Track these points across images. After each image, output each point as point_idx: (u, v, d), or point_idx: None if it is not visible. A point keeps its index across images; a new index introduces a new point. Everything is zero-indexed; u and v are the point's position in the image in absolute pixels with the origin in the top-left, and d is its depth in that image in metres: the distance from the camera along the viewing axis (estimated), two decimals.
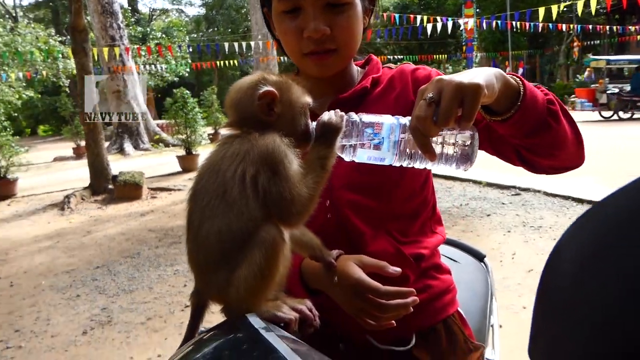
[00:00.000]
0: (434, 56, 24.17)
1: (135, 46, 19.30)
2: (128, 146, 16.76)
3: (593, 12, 12.51)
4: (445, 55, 25.55)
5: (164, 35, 26.00)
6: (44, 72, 19.49)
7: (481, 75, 0.79)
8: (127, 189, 8.32)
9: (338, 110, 0.85)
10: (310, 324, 0.86)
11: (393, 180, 1.06)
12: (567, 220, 5.21)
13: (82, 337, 3.44)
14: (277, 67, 12.27)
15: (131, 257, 5.25)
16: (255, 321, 0.63)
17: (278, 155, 0.76)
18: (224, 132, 0.87)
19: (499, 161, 1.10)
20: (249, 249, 0.74)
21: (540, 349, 0.28)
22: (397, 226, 1.09)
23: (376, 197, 1.06)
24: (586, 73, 21.08)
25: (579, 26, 17.68)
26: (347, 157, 0.86)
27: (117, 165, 10.31)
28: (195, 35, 35.39)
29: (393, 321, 0.95)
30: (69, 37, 9.25)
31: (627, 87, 15.56)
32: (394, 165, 0.86)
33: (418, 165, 0.86)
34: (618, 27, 20.42)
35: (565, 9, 15.70)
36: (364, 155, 0.85)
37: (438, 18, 14.59)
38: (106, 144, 10.90)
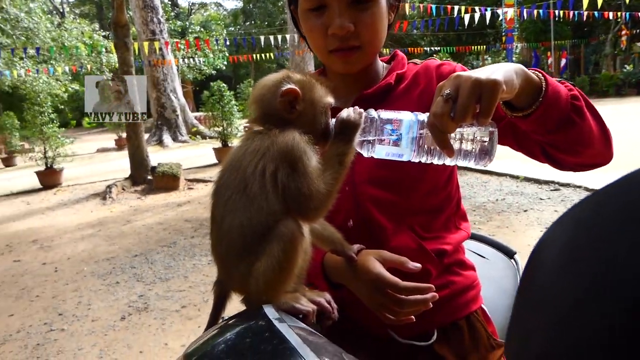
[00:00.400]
0: (472, 47, 23.56)
1: (175, 40, 19.72)
2: (167, 138, 17.20)
3: None
4: (484, 47, 24.89)
5: (202, 29, 26.44)
6: (89, 66, 20.18)
7: (500, 70, 0.78)
8: (165, 180, 8.55)
9: (357, 107, 0.86)
10: (328, 317, 0.88)
11: (415, 176, 1.06)
12: None
13: (120, 322, 3.58)
14: (313, 60, 12.28)
15: (168, 246, 5.41)
16: (270, 312, 0.66)
17: (297, 152, 0.78)
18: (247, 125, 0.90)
19: None
20: (268, 242, 0.76)
21: (514, 342, 0.29)
22: (420, 221, 1.09)
23: (398, 192, 1.07)
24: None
25: (627, 13, 16.90)
26: (365, 153, 0.87)
27: (156, 156, 10.62)
28: (233, 29, 35.79)
29: (412, 317, 0.96)
30: (111, 32, 9.52)
31: None
32: (412, 161, 0.87)
33: (436, 161, 0.86)
34: None
35: None
36: (382, 152, 0.86)
37: (476, 8, 14.25)
38: (146, 135, 11.23)
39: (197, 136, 17.51)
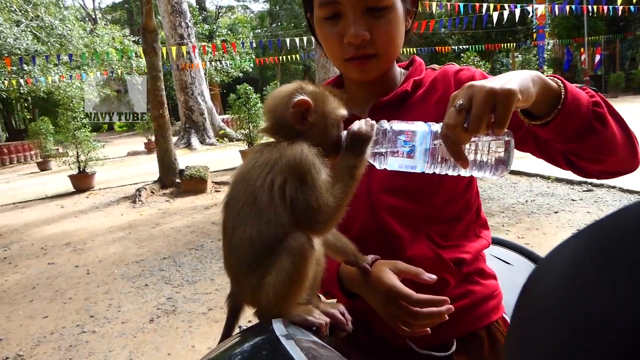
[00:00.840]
0: (502, 45, 23.11)
1: (202, 44, 20.01)
2: (195, 141, 17.46)
3: None
4: (514, 44, 24.37)
5: (229, 32, 26.75)
6: (119, 71, 20.67)
7: (516, 79, 0.76)
8: (193, 183, 8.68)
9: (369, 119, 0.85)
10: (342, 328, 0.87)
11: (432, 184, 1.04)
12: None
13: (149, 324, 3.65)
14: None
15: (195, 249, 5.48)
16: (278, 327, 0.65)
17: (305, 165, 0.77)
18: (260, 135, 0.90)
19: None
20: (278, 255, 0.76)
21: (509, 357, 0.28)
22: (437, 230, 1.07)
23: (415, 200, 1.05)
24: None
25: None
26: (378, 166, 0.86)
27: (184, 159, 10.79)
28: (259, 31, 36.09)
29: (428, 329, 0.94)
30: (141, 37, 9.74)
31: None
32: (426, 172, 0.85)
33: (451, 172, 0.84)
34: None
35: None
36: (395, 164, 0.84)
37: (505, 5, 13.98)
38: (174, 139, 11.41)
39: (225, 139, 17.72)
